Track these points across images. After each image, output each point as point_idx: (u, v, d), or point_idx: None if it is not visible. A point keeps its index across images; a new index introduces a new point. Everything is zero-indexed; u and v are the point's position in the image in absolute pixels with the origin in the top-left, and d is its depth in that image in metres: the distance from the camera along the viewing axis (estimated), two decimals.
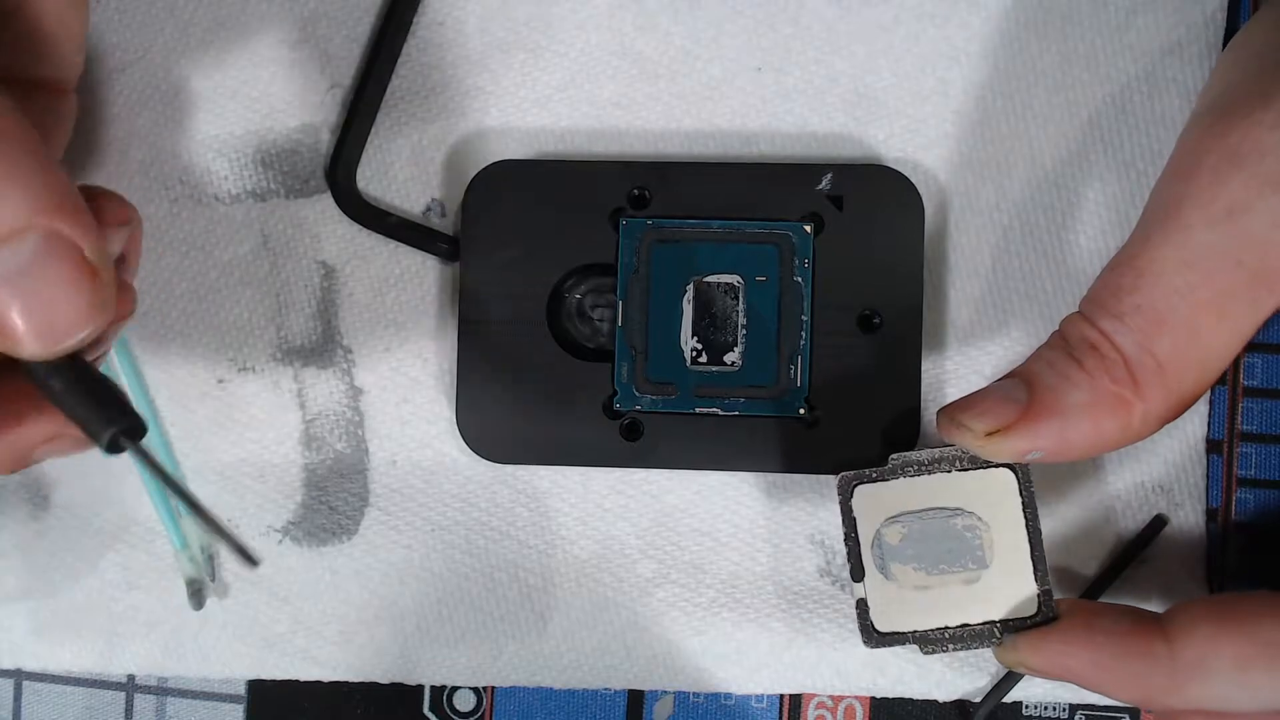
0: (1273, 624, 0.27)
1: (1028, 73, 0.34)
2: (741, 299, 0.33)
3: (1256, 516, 0.34)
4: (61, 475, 0.36)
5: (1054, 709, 0.35)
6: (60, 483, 0.36)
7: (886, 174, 0.33)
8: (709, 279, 0.33)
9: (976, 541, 0.30)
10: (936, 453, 0.30)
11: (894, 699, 0.35)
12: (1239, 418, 0.34)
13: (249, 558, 0.24)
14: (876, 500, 0.30)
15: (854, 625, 0.35)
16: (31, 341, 0.21)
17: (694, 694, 0.36)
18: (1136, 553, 0.34)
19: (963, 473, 0.30)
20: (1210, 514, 0.34)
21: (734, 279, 0.33)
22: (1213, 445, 0.34)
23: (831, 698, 0.36)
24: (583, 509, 0.35)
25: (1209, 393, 0.34)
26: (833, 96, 0.34)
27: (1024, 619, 0.30)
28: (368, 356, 0.36)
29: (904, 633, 0.30)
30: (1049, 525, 0.34)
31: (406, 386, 0.36)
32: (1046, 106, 0.34)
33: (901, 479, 0.30)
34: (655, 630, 0.35)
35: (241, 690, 0.37)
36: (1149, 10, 0.33)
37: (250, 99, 0.35)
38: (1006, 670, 0.34)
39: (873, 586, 0.30)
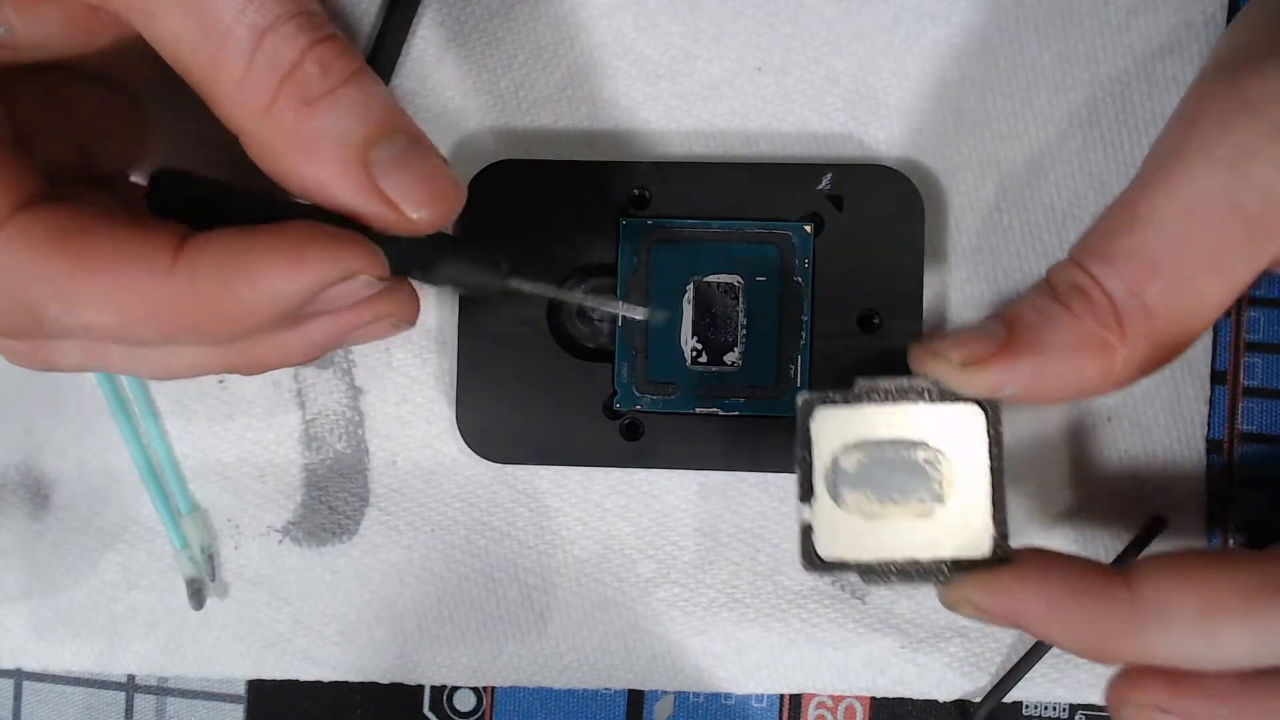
0: (1243, 573, 0.26)
1: (1028, 73, 0.34)
2: (741, 299, 0.33)
3: (1257, 517, 0.34)
4: (61, 475, 0.36)
5: (1054, 709, 0.35)
6: (60, 483, 0.36)
7: (886, 174, 0.33)
8: (709, 279, 0.33)
9: (935, 476, 0.28)
10: (904, 382, 0.28)
11: (894, 699, 0.35)
12: (1239, 418, 0.34)
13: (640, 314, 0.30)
14: (837, 425, 0.28)
15: (854, 625, 0.35)
16: (424, 210, 0.26)
17: (694, 694, 0.36)
18: (1135, 553, 0.34)
19: (930, 405, 0.28)
20: (1211, 515, 0.34)
21: (734, 279, 0.33)
22: (1213, 445, 0.34)
23: (831, 698, 0.36)
24: (583, 509, 0.35)
25: (1209, 391, 0.34)
26: (833, 96, 0.34)
27: (975, 560, 0.28)
28: (368, 356, 0.36)
29: (848, 562, 0.28)
30: (1045, 525, 0.34)
31: (406, 386, 0.36)
32: (1047, 106, 0.34)
33: (866, 405, 0.28)
34: (655, 630, 0.35)
35: (241, 690, 0.37)
36: (1149, 10, 0.33)
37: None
38: (1008, 670, 0.34)
39: (820, 511, 0.28)
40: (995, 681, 0.35)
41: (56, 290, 0.25)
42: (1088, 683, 0.34)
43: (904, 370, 0.28)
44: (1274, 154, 0.25)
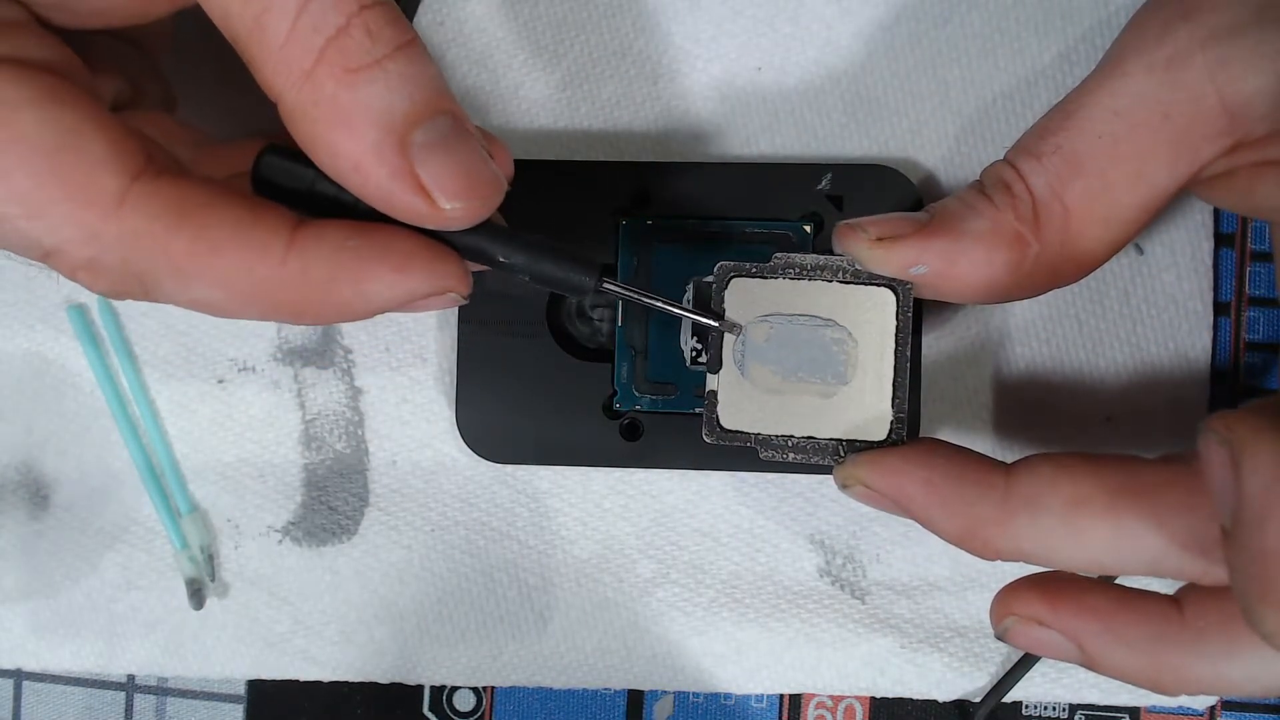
0: (1114, 473, 0.26)
1: (1028, 72, 0.34)
2: None
3: None
4: (61, 475, 0.36)
5: (1054, 709, 0.35)
6: (60, 483, 0.36)
7: (886, 174, 0.33)
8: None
9: (841, 357, 0.29)
10: (821, 259, 0.29)
11: (893, 699, 0.35)
12: None
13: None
14: (750, 296, 0.29)
15: (854, 625, 0.35)
16: (458, 201, 0.25)
17: (694, 694, 0.36)
18: None
19: (844, 285, 0.28)
20: None
21: None
22: None
23: (831, 698, 0.36)
24: (582, 509, 0.35)
25: (1209, 390, 0.34)
26: (832, 96, 0.34)
27: (872, 441, 0.28)
28: (368, 356, 0.36)
29: (748, 433, 0.29)
30: None
31: (406, 386, 0.36)
32: (1046, 106, 0.34)
33: (781, 279, 0.29)
34: (655, 630, 0.35)
35: (241, 690, 0.37)
36: None
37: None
38: (1007, 670, 0.34)
39: (726, 381, 0.29)
40: (995, 682, 0.35)
41: (173, 265, 0.24)
42: (1087, 683, 0.34)
43: None
44: (1207, 60, 0.25)
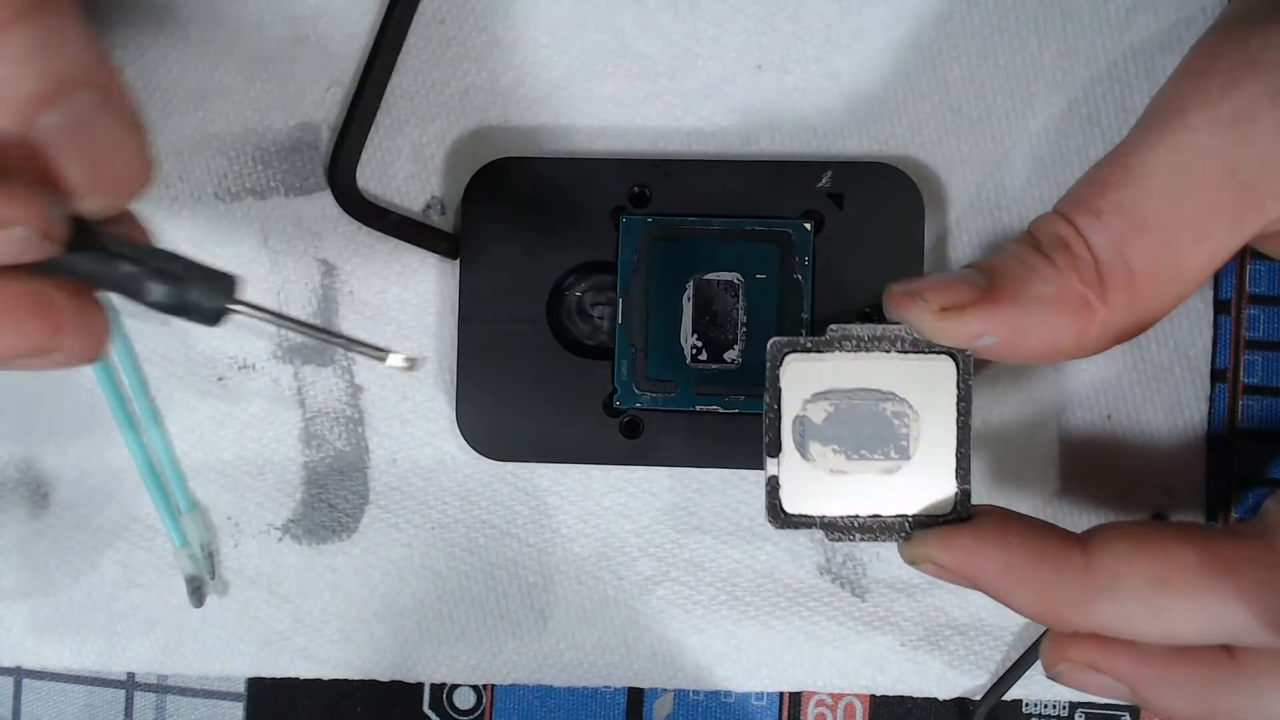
0: (1192, 550, 0.26)
1: (1028, 70, 0.34)
2: (742, 297, 0.33)
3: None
4: (61, 474, 0.36)
5: (1054, 707, 0.35)
6: (60, 481, 0.36)
7: (887, 171, 0.33)
8: (709, 277, 0.33)
9: (903, 430, 0.28)
10: (879, 329, 0.28)
11: (894, 697, 0.35)
12: (1239, 415, 0.34)
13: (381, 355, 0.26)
14: (807, 374, 0.28)
15: (854, 623, 0.35)
16: (95, 194, 0.21)
17: (694, 692, 0.36)
18: None
19: (902, 355, 0.28)
20: (1210, 513, 0.34)
21: (734, 277, 0.33)
22: (1213, 443, 0.34)
23: (831, 696, 0.36)
24: (583, 507, 0.35)
25: (1210, 389, 0.34)
26: (833, 94, 0.34)
27: (938, 516, 0.28)
28: None
29: (812, 516, 0.28)
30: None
31: (406, 384, 0.36)
32: (1047, 104, 0.34)
33: (837, 354, 0.28)
34: (655, 628, 0.35)
35: (241, 688, 0.37)
36: (1149, 8, 0.33)
37: (250, 97, 0.35)
38: (1007, 668, 0.34)
39: (787, 464, 0.28)
40: (995, 680, 0.35)
41: None
42: None
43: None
44: (1276, 117, 0.24)
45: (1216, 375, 0.34)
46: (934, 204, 0.34)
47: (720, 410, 0.33)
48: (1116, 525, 0.27)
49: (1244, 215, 0.25)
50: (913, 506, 0.28)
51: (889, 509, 0.28)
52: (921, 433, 0.28)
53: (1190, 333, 0.34)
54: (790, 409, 0.28)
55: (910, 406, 0.28)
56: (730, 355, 0.33)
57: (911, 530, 0.28)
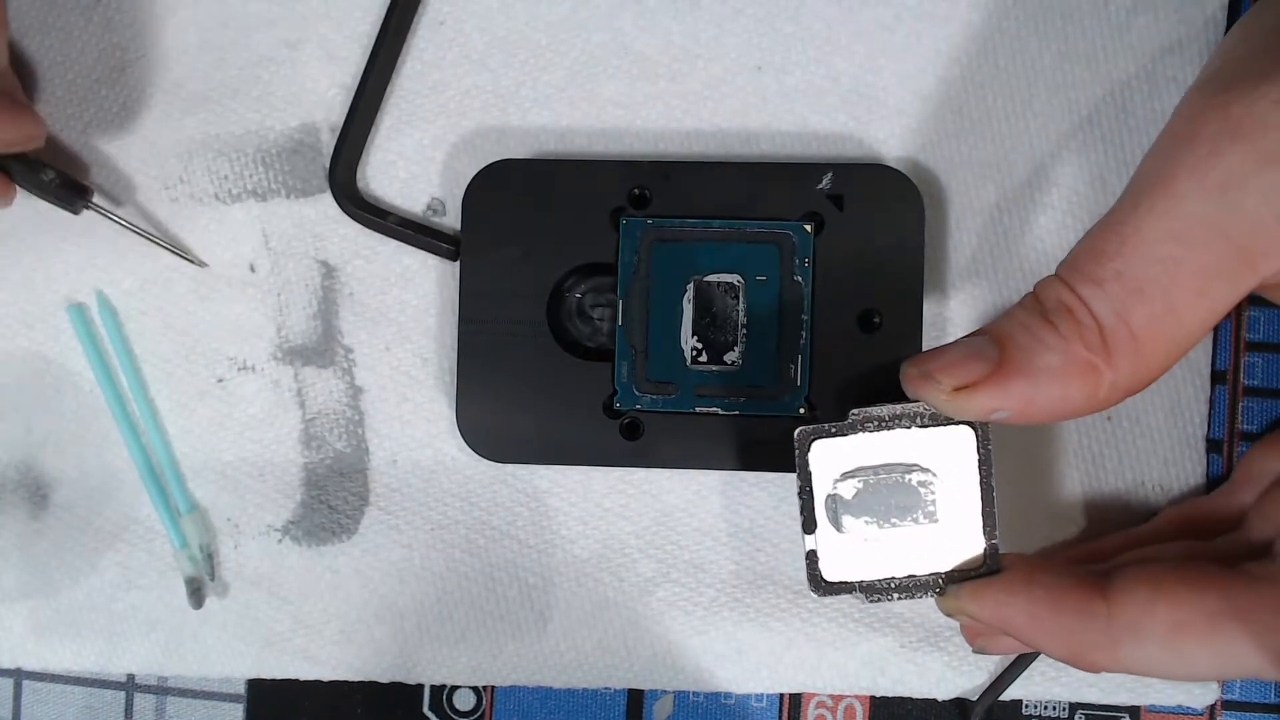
0: (1210, 596, 0.27)
1: (1028, 72, 0.34)
2: (742, 298, 0.33)
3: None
4: (61, 475, 0.36)
5: (1053, 708, 0.35)
6: (60, 482, 0.36)
7: (887, 173, 0.33)
8: (709, 278, 0.33)
9: (930, 496, 0.29)
10: (898, 408, 0.29)
11: (893, 698, 0.35)
12: (1239, 417, 0.35)
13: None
14: (834, 454, 0.29)
15: (854, 625, 0.35)
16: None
17: (694, 693, 0.36)
18: None
19: (922, 429, 0.29)
20: None
21: (734, 278, 0.33)
22: (1213, 445, 0.34)
23: (831, 697, 0.36)
24: (583, 508, 0.35)
25: (1210, 392, 0.34)
26: (833, 96, 0.34)
27: (969, 571, 0.29)
28: (368, 356, 0.36)
29: (851, 582, 0.29)
30: (1047, 525, 0.34)
31: (406, 386, 0.36)
32: (1047, 106, 0.34)
33: (860, 434, 0.29)
34: (655, 630, 0.35)
35: (241, 689, 0.37)
36: (1149, 10, 0.33)
37: (251, 98, 0.35)
38: (1005, 669, 0.34)
39: (823, 538, 0.29)
40: (992, 680, 0.35)
41: None
42: (1087, 681, 0.34)
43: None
44: (1263, 184, 0.25)
45: (1217, 377, 0.34)
46: (934, 206, 0.34)
47: (720, 412, 0.33)
48: (1136, 571, 0.28)
49: (1239, 274, 0.25)
50: (945, 564, 0.29)
51: (923, 568, 0.29)
52: (947, 496, 0.29)
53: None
54: (821, 489, 0.29)
55: (934, 473, 0.29)
56: (730, 357, 0.33)
57: (945, 586, 0.29)
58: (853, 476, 0.29)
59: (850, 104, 0.34)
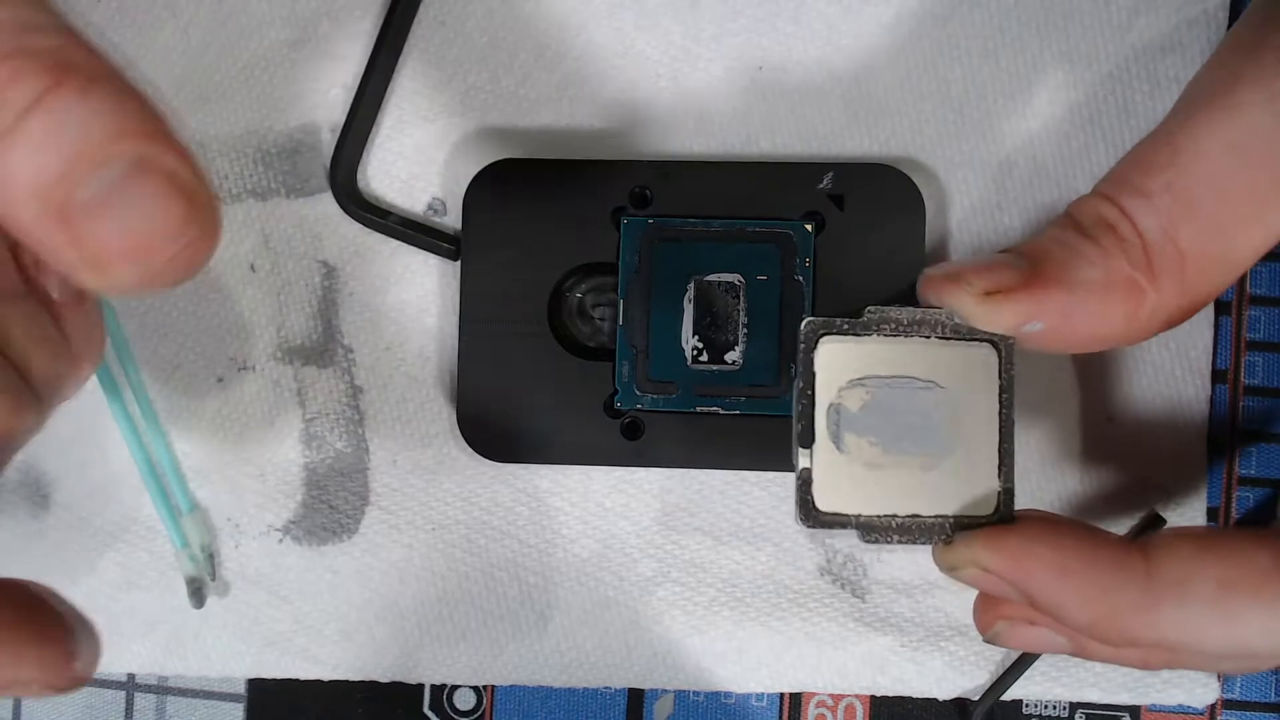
0: (1264, 552, 0.24)
1: (1029, 71, 0.34)
2: (743, 298, 0.33)
3: (1256, 516, 0.34)
4: (61, 474, 0.36)
5: (1054, 707, 0.35)
6: (60, 482, 0.36)
7: (888, 173, 0.33)
8: (710, 278, 0.33)
9: (944, 424, 0.26)
10: (919, 313, 0.26)
11: (894, 697, 0.35)
12: (1240, 416, 0.35)
13: None
14: (843, 358, 0.26)
15: (854, 624, 0.35)
16: (127, 266, 0.20)
17: (694, 693, 0.36)
18: None
19: (943, 342, 0.26)
20: (1210, 513, 0.34)
21: (735, 278, 0.33)
22: (1213, 444, 0.34)
23: (831, 696, 0.36)
24: (583, 508, 0.35)
25: (1210, 389, 0.34)
26: (834, 95, 0.34)
27: (980, 517, 0.26)
28: (368, 355, 0.36)
29: (847, 515, 0.26)
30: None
31: (407, 385, 0.36)
32: (1048, 105, 0.34)
33: (875, 337, 0.26)
34: (656, 629, 0.35)
35: (241, 689, 0.37)
36: (1151, 9, 0.33)
37: (251, 98, 0.35)
38: (1006, 668, 0.34)
39: (820, 457, 0.26)
40: (994, 680, 0.35)
41: None
42: (1087, 681, 0.34)
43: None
44: None
45: (1217, 376, 0.34)
46: (935, 205, 0.34)
47: (721, 412, 0.33)
48: (1178, 529, 0.26)
49: None
50: (952, 506, 0.26)
51: (928, 508, 0.26)
52: (963, 425, 0.26)
53: (1191, 334, 0.34)
54: (824, 396, 0.26)
55: (951, 399, 0.26)
56: (731, 356, 0.33)
57: (953, 532, 0.26)
58: (861, 385, 0.26)
59: (851, 103, 0.34)
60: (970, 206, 0.34)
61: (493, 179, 0.34)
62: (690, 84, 0.35)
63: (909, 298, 0.33)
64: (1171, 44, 0.33)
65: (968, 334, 0.26)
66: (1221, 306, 0.34)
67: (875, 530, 0.26)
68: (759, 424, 0.33)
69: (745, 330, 0.33)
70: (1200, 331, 0.34)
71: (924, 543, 0.26)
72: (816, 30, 0.34)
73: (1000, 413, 0.26)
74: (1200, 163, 0.24)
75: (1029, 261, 0.25)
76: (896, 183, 0.33)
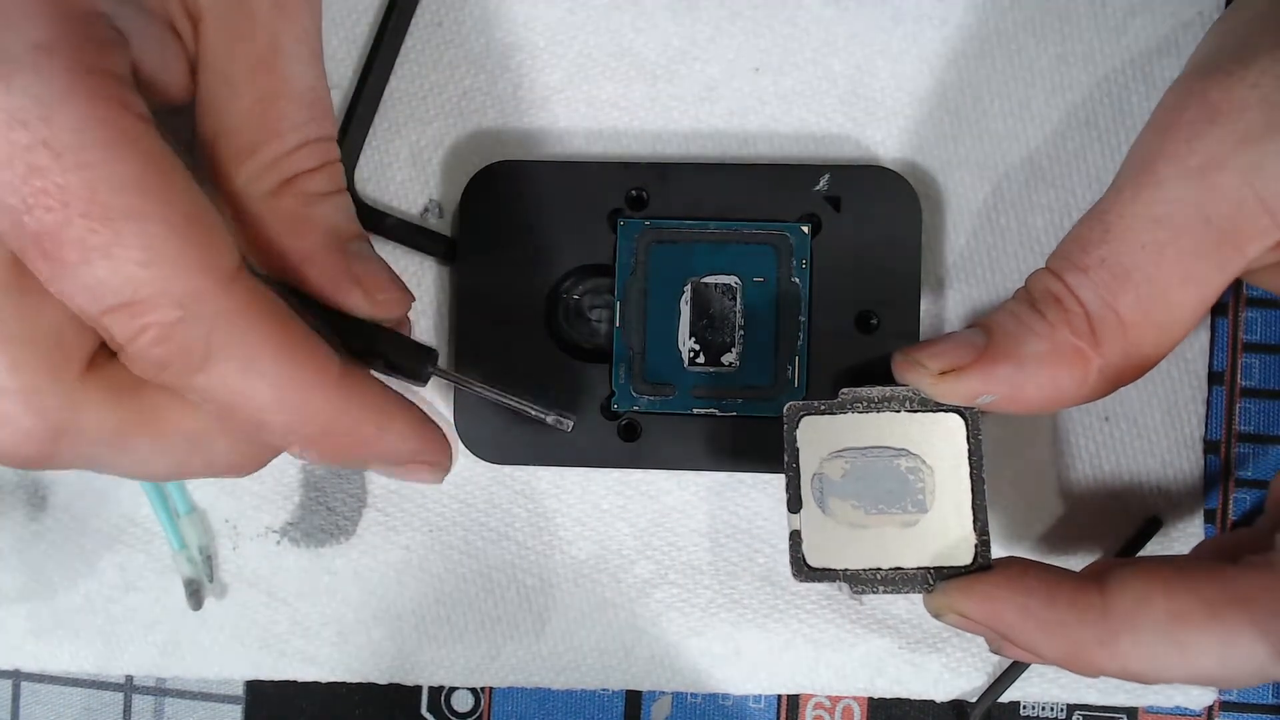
0: (1210, 585, 0.26)
1: (1025, 74, 0.34)
2: (739, 300, 0.33)
3: (1254, 518, 0.34)
4: (60, 476, 0.36)
5: (1051, 709, 0.35)
6: (59, 483, 0.36)
7: (884, 175, 0.33)
8: (707, 280, 0.33)
9: (919, 485, 0.29)
10: (888, 391, 0.29)
11: (891, 699, 0.35)
12: (1236, 418, 0.35)
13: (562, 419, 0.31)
14: (822, 433, 0.29)
15: (852, 626, 0.35)
16: (385, 294, 0.29)
17: (691, 694, 0.36)
18: (1131, 554, 0.34)
19: (912, 414, 0.29)
20: (1208, 515, 0.34)
21: (732, 280, 0.33)
22: (1210, 446, 0.34)
23: (829, 698, 0.36)
24: (581, 510, 0.35)
25: (1207, 392, 0.34)
26: (830, 97, 0.34)
27: (959, 567, 0.29)
28: None
29: (835, 570, 0.29)
30: (1044, 525, 0.34)
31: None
32: (1044, 107, 0.34)
33: (850, 414, 0.29)
34: (653, 631, 0.35)
35: (239, 691, 0.37)
36: (1146, 11, 0.33)
37: None
38: (1003, 670, 0.34)
39: (809, 520, 0.29)
40: (991, 681, 0.35)
41: (247, 358, 0.25)
42: (1085, 683, 0.34)
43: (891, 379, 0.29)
44: (1241, 164, 0.25)
45: (1214, 378, 0.34)
46: (931, 207, 0.34)
47: (718, 413, 0.33)
48: (1128, 563, 0.28)
49: (1224, 258, 0.25)
50: (933, 557, 0.29)
51: (910, 561, 0.29)
52: (937, 486, 0.29)
53: (1188, 336, 0.34)
54: (808, 467, 0.29)
55: (923, 461, 0.29)
56: (728, 358, 0.33)
57: (934, 581, 0.29)
58: (840, 456, 0.29)
59: (847, 105, 0.34)
60: (966, 208, 0.34)
61: (489, 181, 0.34)
62: (687, 85, 0.35)
63: (905, 301, 0.33)
64: (1166, 46, 0.33)
65: (934, 406, 0.29)
66: (1219, 309, 0.34)
67: (862, 582, 0.29)
68: (756, 425, 0.33)
69: (742, 332, 0.33)
70: (1197, 334, 0.34)
71: (908, 591, 0.29)
72: (813, 32, 0.34)
73: (970, 473, 0.29)
74: (1129, 236, 0.26)
75: (985, 335, 0.27)
76: (893, 184, 0.33)
